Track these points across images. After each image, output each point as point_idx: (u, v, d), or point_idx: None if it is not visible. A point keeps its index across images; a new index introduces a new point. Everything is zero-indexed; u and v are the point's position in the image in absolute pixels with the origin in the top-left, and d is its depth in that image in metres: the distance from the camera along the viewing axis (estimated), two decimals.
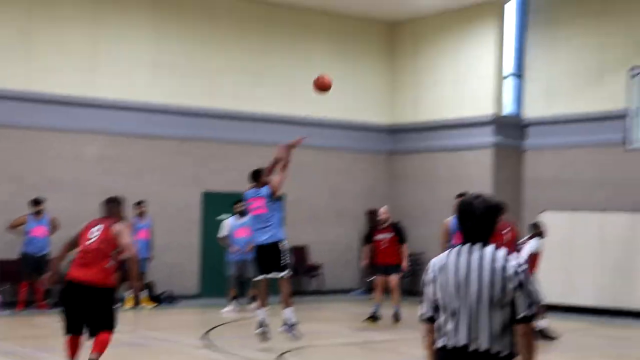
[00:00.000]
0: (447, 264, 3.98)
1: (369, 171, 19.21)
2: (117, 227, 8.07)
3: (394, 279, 13.33)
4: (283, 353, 10.33)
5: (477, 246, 3.96)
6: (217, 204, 16.87)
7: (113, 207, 8.27)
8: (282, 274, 10.64)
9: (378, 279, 13.52)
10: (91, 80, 15.98)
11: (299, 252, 18.14)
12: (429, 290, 4.04)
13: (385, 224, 13.60)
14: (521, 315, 3.88)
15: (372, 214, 19.04)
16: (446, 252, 4.06)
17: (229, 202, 15.63)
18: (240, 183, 16.90)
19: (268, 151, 17.78)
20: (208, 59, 17.23)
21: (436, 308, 4.03)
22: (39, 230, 14.42)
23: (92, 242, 8.02)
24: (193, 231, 16.94)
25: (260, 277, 10.75)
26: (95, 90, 15.98)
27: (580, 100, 16.77)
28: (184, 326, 13.71)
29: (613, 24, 16.30)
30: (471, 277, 3.89)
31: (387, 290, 13.60)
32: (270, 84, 17.97)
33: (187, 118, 16.91)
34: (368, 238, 13.83)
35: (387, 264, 13.34)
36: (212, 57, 17.29)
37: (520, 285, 3.87)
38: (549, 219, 14.79)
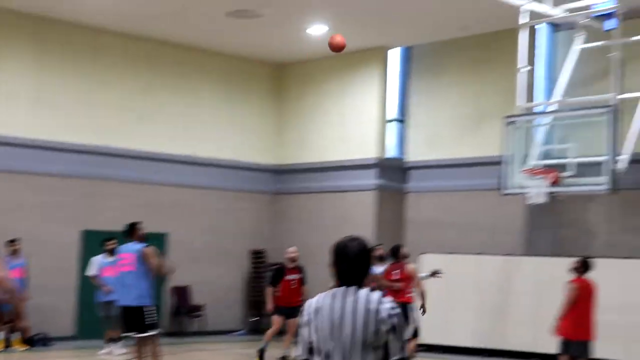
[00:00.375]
0: (322, 306, 3.97)
1: (253, 211, 19.19)
2: None
3: (295, 321, 12.99)
4: None
5: (351, 289, 3.97)
6: (97, 242, 16.47)
7: None
8: (148, 334, 10.32)
9: (278, 319, 13.26)
10: None
11: (181, 292, 17.91)
12: (304, 332, 4.03)
13: (294, 264, 13.48)
14: (393, 358, 3.91)
15: (255, 254, 19.01)
16: (322, 294, 4.05)
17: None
18: (121, 222, 16.60)
19: (152, 190, 17.63)
20: (92, 94, 16.92)
21: (311, 350, 4.00)
22: None
23: None
24: (70, 271, 16.45)
25: (128, 334, 10.42)
26: None
27: (460, 146, 17.33)
28: None
29: (490, 73, 16.98)
30: (345, 320, 3.90)
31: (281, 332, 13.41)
32: (156, 122, 17.79)
33: (67, 154, 16.50)
34: (277, 278, 13.34)
35: (291, 305, 13.00)
36: (96, 93, 16.99)
37: (394, 328, 3.91)
38: (429, 261, 15.13)
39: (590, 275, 10.84)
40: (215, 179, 18.55)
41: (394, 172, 18.11)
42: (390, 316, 3.91)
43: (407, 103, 18.52)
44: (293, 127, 19.49)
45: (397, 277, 12.04)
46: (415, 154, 18.18)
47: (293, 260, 13.43)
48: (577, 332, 10.67)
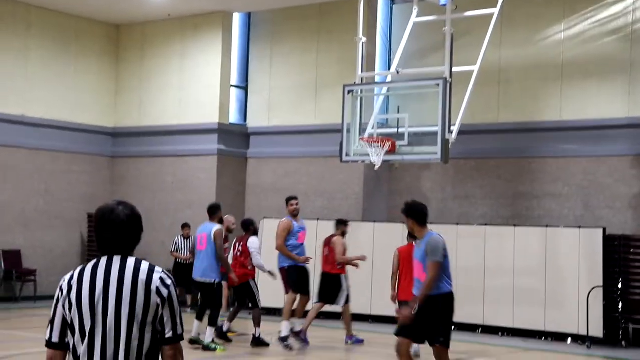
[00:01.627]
0: (82, 279, 3.44)
1: (90, 174, 18.71)
2: None
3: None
4: None
5: (117, 258, 3.49)
6: None
7: None
8: None
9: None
10: None
11: (12, 256, 17.31)
12: (59, 310, 3.48)
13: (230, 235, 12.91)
14: (168, 334, 3.48)
15: (92, 218, 18.58)
16: (82, 266, 3.54)
17: None
18: None
19: None
20: None
21: (64, 332, 3.48)
22: None
23: None
24: None
25: None
26: None
27: (300, 113, 17.61)
28: None
29: (329, 42, 17.29)
30: (110, 292, 3.40)
31: None
32: None
33: None
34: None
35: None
36: None
37: (167, 301, 3.47)
38: (268, 226, 15.34)
39: None
40: (47, 140, 17.91)
41: (235, 137, 18.16)
42: (163, 286, 3.47)
43: (248, 69, 18.56)
44: (132, 90, 19.11)
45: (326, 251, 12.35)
46: (256, 120, 18.31)
47: (230, 230, 12.89)
48: (408, 293, 11.26)
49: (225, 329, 12.25)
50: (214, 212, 11.84)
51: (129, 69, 19.12)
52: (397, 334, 7.93)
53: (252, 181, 18.11)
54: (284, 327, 11.72)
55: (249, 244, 12.13)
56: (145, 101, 18.86)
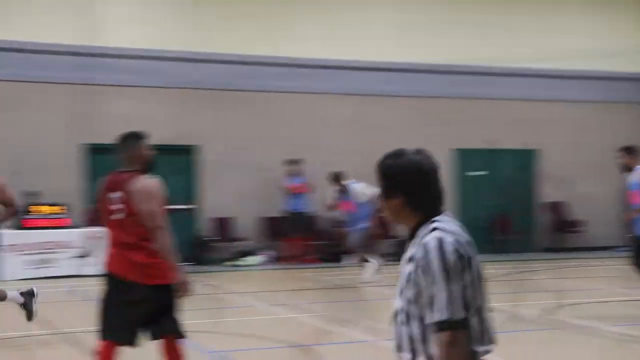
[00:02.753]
0: (469, 243, 2.75)
1: (620, 123, 17.75)
2: None
3: None
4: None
5: (451, 215, 2.86)
6: (467, 160, 16.83)
7: None
8: None
9: None
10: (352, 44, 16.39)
11: (557, 208, 17.48)
12: (463, 280, 2.68)
13: None
14: None
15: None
16: (448, 225, 2.77)
17: (479, 159, 16.42)
18: (489, 140, 16.62)
19: (521, 106, 16.97)
20: (449, 14, 17.02)
21: (467, 305, 2.69)
22: (298, 189, 15.16)
23: None
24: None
25: None
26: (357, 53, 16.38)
27: None
28: None
29: None
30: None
31: None
32: (524, 36, 17.37)
33: (432, 76, 16.74)
34: None
35: None
36: (453, 12, 17.05)
37: None
38: None
39: None
40: (579, 91, 17.67)
41: None
42: None
43: None
44: None
45: None
46: None
47: None
48: None
49: None
50: None
51: None
52: None
53: None
54: None
55: None
56: None
